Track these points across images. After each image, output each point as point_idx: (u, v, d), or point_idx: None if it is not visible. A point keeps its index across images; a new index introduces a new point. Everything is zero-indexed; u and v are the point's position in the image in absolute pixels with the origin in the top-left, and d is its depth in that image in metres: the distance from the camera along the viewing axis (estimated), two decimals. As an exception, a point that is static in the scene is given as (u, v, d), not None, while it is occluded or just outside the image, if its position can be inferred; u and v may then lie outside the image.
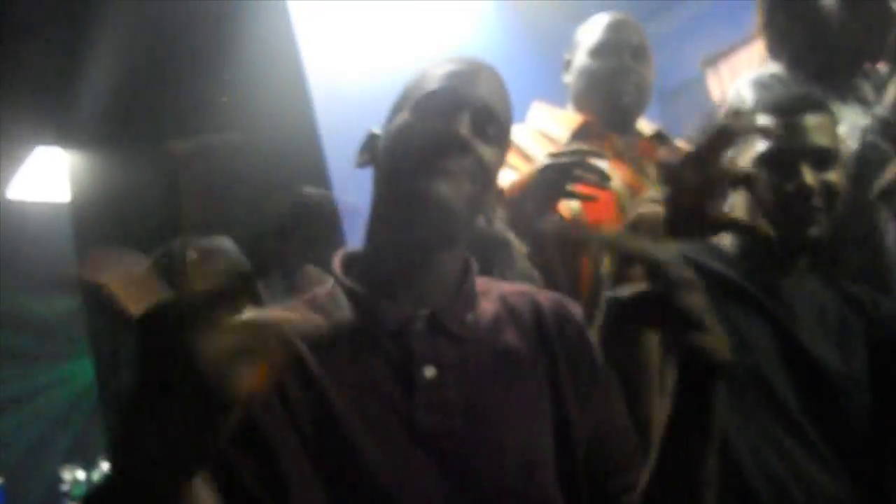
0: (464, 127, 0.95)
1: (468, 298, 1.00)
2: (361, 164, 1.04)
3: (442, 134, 0.95)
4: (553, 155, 1.55)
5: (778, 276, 1.24)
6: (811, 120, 1.23)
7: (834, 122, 1.28)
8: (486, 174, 0.98)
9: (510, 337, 0.98)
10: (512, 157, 1.79)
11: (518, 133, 1.92)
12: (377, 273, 0.98)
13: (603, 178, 1.50)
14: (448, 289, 0.99)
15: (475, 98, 0.98)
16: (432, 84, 1.00)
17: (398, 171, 0.97)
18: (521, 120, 2.03)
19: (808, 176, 1.19)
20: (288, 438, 0.84)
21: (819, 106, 1.26)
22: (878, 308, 1.24)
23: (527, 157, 1.80)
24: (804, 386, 1.17)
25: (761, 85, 1.77)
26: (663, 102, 4.60)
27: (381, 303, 0.95)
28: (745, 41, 4.17)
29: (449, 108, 0.97)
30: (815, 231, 1.21)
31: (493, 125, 1.00)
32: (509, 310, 1.02)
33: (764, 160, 1.22)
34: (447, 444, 0.89)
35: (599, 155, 1.55)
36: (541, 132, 1.93)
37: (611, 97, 1.90)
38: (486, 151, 0.98)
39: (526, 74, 2.07)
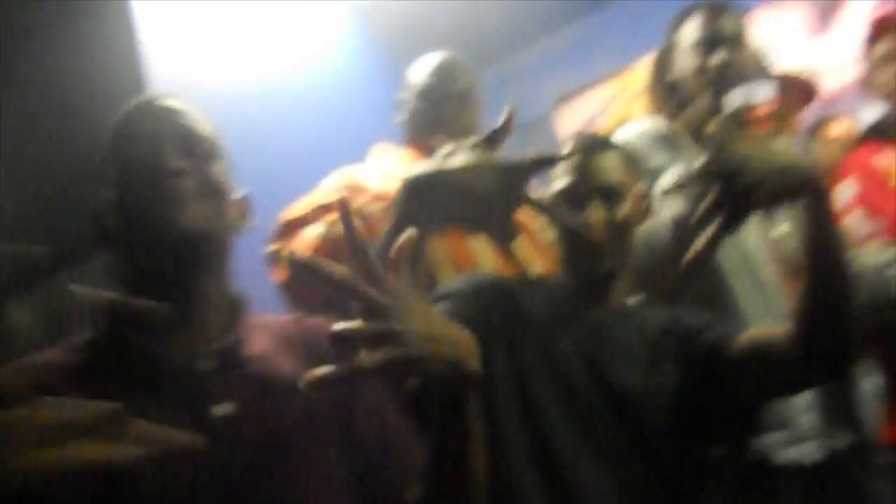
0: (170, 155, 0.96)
1: (246, 332, 1.00)
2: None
3: (153, 168, 0.96)
4: None
5: (588, 306, 1.29)
6: (603, 159, 1.31)
7: (625, 160, 1.36)
8: (216, 189, 1.00)
9: (291, 366, 0.99)
10: (362, 197, 1.75)
11: (365, 174, 1.88)
12: (147, 316, 0.95)
13: None
14: (224, 324, 0.99)
15: (174, 127, 1.00)
16: (132, 130, 1.00)
17: (140, 209, 0.96)
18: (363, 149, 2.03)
19: (597, 212, 1.26)
20: None
21: (610, 145, 1.35)
22: (688, 326, 1.29)
23: (379, 198, 1.74)
24: (611, 410, 1.21)
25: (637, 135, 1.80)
26: (518, 134, 4.71)
27: (157, 346, 0.93)
28: (595, 81, 4.38)
29: (153, 144, 0.98)
30: (608, 265, 1.27)
31: (199, 144, 1.00)
32: (286, 339, 1.04)
33: (562, 195, 1.30)
34: (245, 480, 0.89)
35: None
36: (386, 172, 1.87)
37: (436, 144, 1.85)
38: (206, 169, 0.99)
39: (379, 84, 2.07)
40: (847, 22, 3.71)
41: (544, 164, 1.07)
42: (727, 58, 1.69)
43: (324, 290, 0.73)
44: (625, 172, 1.34)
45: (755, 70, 1.76)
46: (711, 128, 1.47)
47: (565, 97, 4.50)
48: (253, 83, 2.98)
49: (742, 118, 1.54)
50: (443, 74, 1.94)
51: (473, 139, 1.06)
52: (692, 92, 1.74)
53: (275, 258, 1.73)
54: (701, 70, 1.72)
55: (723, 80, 1.68)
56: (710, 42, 1.72)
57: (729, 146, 1.00)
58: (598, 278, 1.29)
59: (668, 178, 1.60)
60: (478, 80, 2.04)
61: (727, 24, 1.73)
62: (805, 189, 1.01)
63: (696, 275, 1.58)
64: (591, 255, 1.28)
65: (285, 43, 3.30)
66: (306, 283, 1.59)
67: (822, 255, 1.05)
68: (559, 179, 1.32)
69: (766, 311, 1.60)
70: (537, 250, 1.78)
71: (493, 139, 1.06)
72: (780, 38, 3.79)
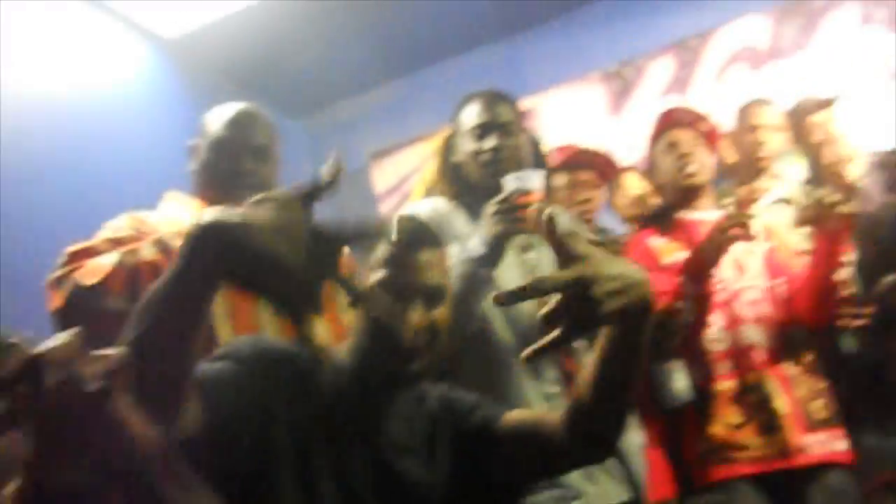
0: None
1: None
2: None
3: None
4: None
5: (383, 394, 1.25)
6: (424, 256, 1.24)
7: (443, 258, 1.31)
8: None
9: None
10: (148, 248, 1.67)
11: (154, 220, 1.80)
12: None
13: None
14: None
15: None
16: None
17: None
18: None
19: (416, 315, 1.20)
20: None
21: (433, 241, 1.29)
22: (458, 407, 1.30)
23: (166, 252, 1.64)
24: (391, 497, 1.19)
25: (433, 210, 1.84)
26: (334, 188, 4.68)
27: None
28: (412, 139, 4.47)
29: None
30: (416, 367, 1.21)
31: None
32: None
33: (381, 287, 1.23)
34: None
35: None
36: (173, 220, 1.78)
37: (227, 199, 1.79)
38: None
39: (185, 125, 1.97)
40: (640, 104, 4.07)
41: (364, 237, 1.00)
42: (500, 143, 1.79)
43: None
44: (445, 272, 1.28)
45: (528, 156, 1.89)
46: (489, 209, 1.52)
47: (382, 153, 4.55)
48: (49, 116, 2.79)
49: (515, 203, 1.59)
50: (241, 127, 1.86)
51: (292, 190, 0.96)
52: (471, 174, 1.84)
53: (56, 285, 1.63)
54: (476, 153, 1.81)
55: (496, 163, 1.78)
56: (485, 127, 1.82)
57: (581, 258, 0.96)
58: (401, 378, 1.24)
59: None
60: (278, 134, 1.95)
61: (502, 112, 1.84)
62: (644, 307, 0.99)
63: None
64: (400, 355, 1.20)
65: (88, 77, 3.13)
66: (82, 312, 1.55)
67: (625, 364, 1.05)
68: (379, 270, 1.23)
69: (540, 391, 1.68)
70: (334, 328, 1.75)
71: (313, 194, 0.96)
72: (578, 117, 4.09)
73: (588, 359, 1.09)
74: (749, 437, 1.91)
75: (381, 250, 1.24)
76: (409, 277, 1.22)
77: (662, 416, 1.99)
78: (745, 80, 3.93)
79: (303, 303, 0.91)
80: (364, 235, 0.99)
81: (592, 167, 2.50)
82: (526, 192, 1.60)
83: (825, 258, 1.89)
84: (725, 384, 1.96)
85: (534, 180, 1.62)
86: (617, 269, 0.96)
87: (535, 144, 2.00)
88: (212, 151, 1.85)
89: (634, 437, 1.80)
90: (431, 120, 4.67)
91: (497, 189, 1.64)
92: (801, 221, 1.87)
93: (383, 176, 4.54)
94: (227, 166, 1.82)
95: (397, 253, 1.23)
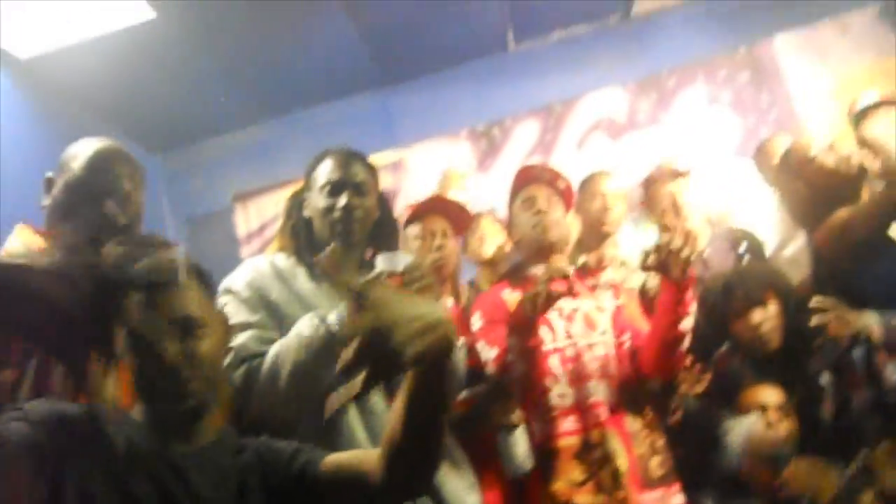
0: None
1: None
2: None
3: None
4: None
5: (178, 444, 1.22)
6: (177, 293, 1.23)
7: (206, 292, 1.31)
8: None
9: None
10: None
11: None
12: None
13: None
14: None
15: None
16: None
17: None
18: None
19: (172, 349, 1.19)
20: None
21: (175, 283, 1.26)
22: (275, 456, 1.28)
23: None
24: None
25: (255, 270, 1.80)
26: (193, 226, 4.54)
27: None
28: (275, 185, 4.36)
29: None
30: (191, 402, 1.20)
31: None
32: None
33: (128, 338, 1.20)
34: None
35: None
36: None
37: (81, 240, 1.69)
38: None
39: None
40: (506, 163, 4.18)
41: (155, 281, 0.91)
42: (352, 201, 1.80)
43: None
44: (206, 305, 1.27)
45: (379, 214, 1.90)
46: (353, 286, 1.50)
47: (245, 195, 4.43)
48: None
49: (384, 282, 1.55)
50: (99, 171, 1.76)
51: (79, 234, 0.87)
52: (320, 231, 1.84)
53: None
54: (327, 210, 1.81)
55: (346, 222, 1.79)
56: (338, 185, 1.82)
57: (376, 305, 0.96)
58: (179, 416, 1.21)
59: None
60: (142, 176, 1.85)
61: (356, 171, 1.84)
62: (446, 347, 1.00)
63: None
64: (171, 393, 1.19)
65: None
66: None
67: (430, 402, 1.07)
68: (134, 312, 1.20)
69: (372, 437, 1.65)
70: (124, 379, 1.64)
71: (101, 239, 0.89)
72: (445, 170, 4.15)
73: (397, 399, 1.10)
74: (590, 495, 1.93)
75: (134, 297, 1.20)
76: (159, 317, 1.20)
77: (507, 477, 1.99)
78: (604, 149, 4.13)
79: (81, 350, 0.83)
80: (154, 280, 0.95)
81: (445, 215, 2.51)
82: (394, 274, 1.61)
83: (669, 309, 1.96)
84: (569, 441, 1.98)
85: (403, 262, 1.64)
86: (416, 310, 0.96)
87: (385, 206, 2.01)
88: (68, 191, 1.73)
89: (471, 499, 1.78)
90: (299, 165, 4.57)
91: (344, 246, 1.65)
92: (647, 266, 1.94)
93: (246, 219, 4.41)
94: (83, 209, 1.71)
95: (148, 297, 1.20)
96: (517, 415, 1.95)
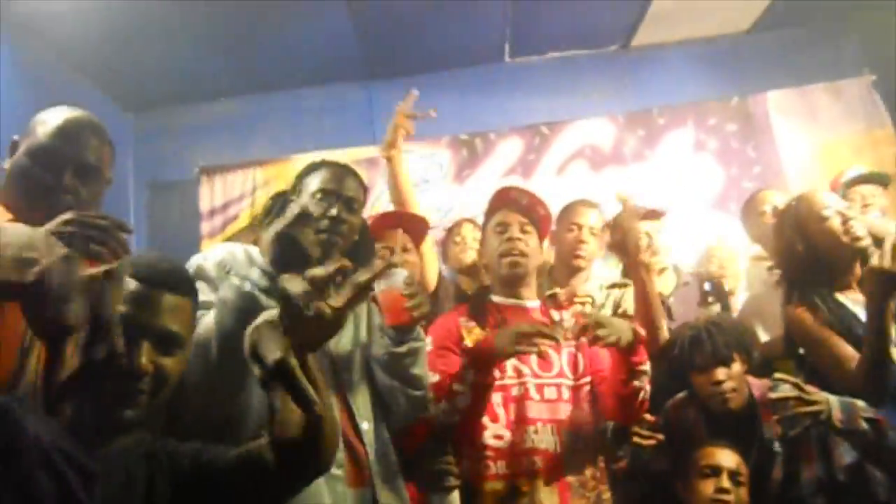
0: None
1: None
2: None
3: None
4: None
5: (94, 446, 1.15)
6: (167, 299, 1.21)
7: (189, 308, 1.29)
8: None
9: None
10: None
11: None
12: None
13: None
14: None
15: None
16: None
17: None
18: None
19: (146, 356, 1.16)
20: None
21: (179, 288, 1.26)
22: (184, 456, 1.24)
23: None
24: None
25: (230, 253, 1.73)
26: (155, 192, 4.38)
27: None
28: (245, 164, 4.24)
29: None
30: (130, 414, 1.17)
31: None
32: None
33: (116, 323, 1.14)
34: None
35: None
36: None
37: (37, 210, 1.59)
38: None
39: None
40: (483, 177, 4.10)
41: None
42: (340, 214, 1.79)
43: None
44: (186, 322, 1.25)
45: (359, 232, 1.88)
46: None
47: (213, 169, 4.28)
48: None
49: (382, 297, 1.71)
50: (67, 140, 1.67)
51: None
52: (301, 236, 1.73)
53: None
54: (316, 217, 1.76)
55: (331, 233, 1.77)
56: (330, 195, 1.81)
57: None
58: (112, 421, 1.17)
59: None
60: (112, 153, 1.75)
61: (351, 186, 1.84)
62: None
63: None
64: (119, 396, 1.14)
65: None
66: None
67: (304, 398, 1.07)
68: (122, 305, 1.17)
69: None
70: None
71: None
72: (421, 176, 4.06)
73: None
74: None
75: (128, 286, 1.19)
76: (142, 317, 1.18)
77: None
78: (584, 179, 4.07)
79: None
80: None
81: (404, 228, 2.42)
82: (394, 289, 1.69)
83: (620, 365, 1.90)
84: (495, 485, 1.87)
85: (401, 276, 1.71)
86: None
87: (366, 228, 2.00)
88: (32, 157, 1.63)
89: None
90: (272, 146, 4.50)
91: (322, 257, 1.63)
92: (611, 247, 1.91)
93: (211, 193, 4.26)
94: (45, 178, 1.62)
95: (140, 292, 1.19)
96: (454, 476, 1.85)
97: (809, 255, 2.10)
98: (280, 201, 1.83)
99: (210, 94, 4.35)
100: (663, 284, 2.73)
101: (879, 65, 4.05)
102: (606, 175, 4.08)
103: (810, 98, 4.13)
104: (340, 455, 1.59)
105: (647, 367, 1.88)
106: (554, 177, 4.10)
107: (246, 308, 1.47)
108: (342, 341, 1.76)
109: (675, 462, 2.07)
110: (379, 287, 1.70)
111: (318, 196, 1.80)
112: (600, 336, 1.80)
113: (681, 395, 2.20)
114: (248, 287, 1.53)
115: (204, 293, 1.58)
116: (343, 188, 1.82)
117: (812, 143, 4.03)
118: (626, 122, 4.18)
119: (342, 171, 1.86)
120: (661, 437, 1.98)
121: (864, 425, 1.82)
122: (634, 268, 2.06)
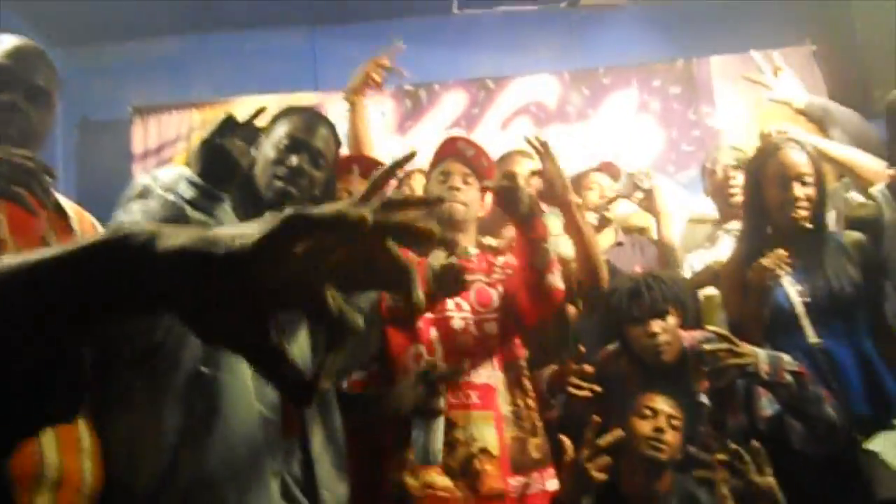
0: None
1: None
2: None
3: None
4: None
5: None
6: None
7: None
8: None
9: None
10: None
11: None
12: None
13: None
14: None
15: None
16: None
17: None
18: None
19: None
20: None
21: None
22: None
23: None
24: None
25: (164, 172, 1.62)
26: (85, 132, 4.20)
27: None
28: (180, 105, 4.09)
29: None
30: None
31: None
32: None
33: None
34: None
35: None
36: None
37: None
38: None
39: None
40: (426, 129, 4.06)
41: None
42: (302, 166, 1.72)
43: None
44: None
45: (322, 190, 1.80)
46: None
47: (147, 109, 4.12)
48: None
49: None
50: (22, 61, 1.61)
51: None
52: (259, 179, 1.74)
53: None
54: (276, 163, 1.72)
55: (289, 184, 1.70)
56: (297, 144, 1.74)
57: None
58: None
59: None
60: (59, 83, 1.70)
61: (321, 138, 1.78)
62: None
63: None
64: None
65: None
66: None
67: None
68: None
69: None
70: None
71: None
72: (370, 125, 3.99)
73: None
74: (441, 475, 1.85)
75: None
76: None
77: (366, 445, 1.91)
78: (528, 134, 4.05)
79: None
80: None
81: (363, 174, 2.39)
82: None
83: (523, 249, 1.95)
84: None
85: None
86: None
87: (331, 188, 1.90)
88: None
89: (340, 488, 1.69)
90: (210, 87, 4.35)
91: (276, 206, 1.61)
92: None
93: (144, 135, 4.11)
94: None
95: None
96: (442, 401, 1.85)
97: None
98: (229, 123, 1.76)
99: (147, 32, 4.17)
100: (603, 240, 2.75)
101: (823, 36, 4.13)
102: (550, 132, 4.07)
103: (751, 65, 4.19)
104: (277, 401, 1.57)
105: (548, 245, 1.92)
106: (498, 131, 4.09)
107: (172, 219, 1.43)
108: None
109: (608, 411, 2.11)
110: None
111: (285, 143, 1.74)
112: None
113: (612, 346, 2.24)
114: (172, 197, 1.47)
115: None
116: (313, 138, 1.76)
117: (750, 109, 4.10)
118: (572, 80, 4.18)
119: (317, 122, 1.80)
120: (597, 388, 2.01)
121: (788, 377, 1.90)
122: (566, 210, 2.07)
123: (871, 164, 2.37)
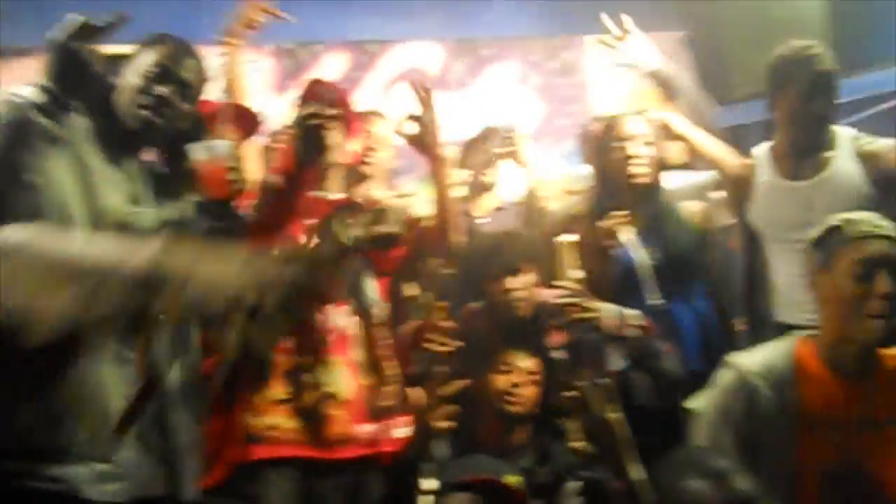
0: None
1: None
2: None
3: None
4: None
5: None
6: None
7: None
8: None
9: None
10: None
11: None
12: None
13: None
14: None
15: None
16: None
17: None
18: None
19: None
20: None
21: None
22: None
23: None
24: None
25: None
26: None
27: None
28: (26, 51, 3.78)
29: None
30: None
31: None
32: None
33: None
34: None
35: None
36: None
37: None
38: None
39: None
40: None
41: None
42: (169, 97, 1.66)
43: None
44: None
45: (188, 123, 1.77)
46: None
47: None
48: None
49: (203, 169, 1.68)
50: (173, 58, 1.68)
51: None
52: (120, 106, 1.67)
53: None
54: (140, 91, 1.65)
55: (154, 113, 1.65)
56: (164, 73, 1.68)
57: None
58: None
59: None
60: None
61: (190, 69, 1.72)
62: None
63: None
64: None
65: None
66: None
67: None
68: None
69: None
70: None
71: None
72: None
73: None
74: (285, 417, 1.85)
75: None
76: None
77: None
78: (408, 100, 4.05)
79: None
80: None
81: (237, 123, 2.32)
82: (217, 160, 1.70)
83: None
84: (282, 358, 1.88)
85: (221, 149, 1.71)
86: None
87: (199, 125, 1.87)
88: None
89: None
90: (32, 33, 3.98)
91: (139, 134, 1.65)
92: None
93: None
94: None
95: None
96: None
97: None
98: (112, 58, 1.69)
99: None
100: (485, 203, 2.80)
101: (693, 25, 4.31)
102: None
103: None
104: None
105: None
106: (378, 96, 4.06)
107: (16, 121, 1.39)
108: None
109: (470, 367, 2.16)
110: (200, 156, 1.65)
111: (154, 71, 1.66)
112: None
113: (475, 304, 2.29)
114: (17, 100, 1.42)
115: None
116: (181, 69, 1.69)
117: (621, 90, 4.25)
118: (455, 49, 4.21)
119: (185, 51, 1.73)
120: (459, 343, 2.03)
121: (633, 332, 2.00)
122: (433, 161, 2.08)
123: (721, 152, 2.47)
